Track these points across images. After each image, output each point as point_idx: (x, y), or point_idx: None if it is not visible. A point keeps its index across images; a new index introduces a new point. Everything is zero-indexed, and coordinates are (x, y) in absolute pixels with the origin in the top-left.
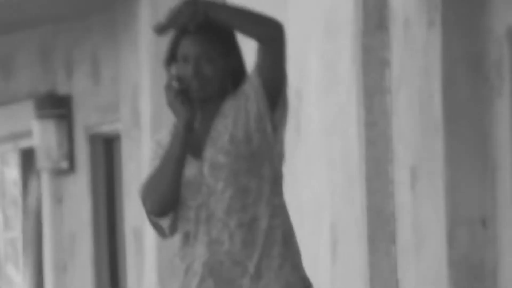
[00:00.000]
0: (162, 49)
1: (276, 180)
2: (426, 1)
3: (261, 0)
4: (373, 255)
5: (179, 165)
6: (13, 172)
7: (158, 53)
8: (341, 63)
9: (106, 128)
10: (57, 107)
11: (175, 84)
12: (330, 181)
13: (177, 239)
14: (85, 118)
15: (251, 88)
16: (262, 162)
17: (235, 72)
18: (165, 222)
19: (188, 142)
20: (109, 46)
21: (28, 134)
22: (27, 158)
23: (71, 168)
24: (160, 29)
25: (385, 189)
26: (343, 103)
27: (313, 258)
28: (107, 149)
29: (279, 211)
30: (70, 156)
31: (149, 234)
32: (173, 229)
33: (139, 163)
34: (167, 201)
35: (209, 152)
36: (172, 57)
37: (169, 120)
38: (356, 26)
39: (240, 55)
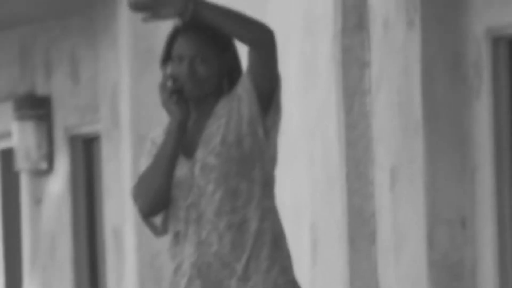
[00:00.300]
0: (141, 48)
1: (267, 183)
2: (405, 1)
3: None
4: (353, 256)
5: (171, 164)
6: None
7: (137, 52)
8: (320, 63)
9: (86, 129)
10: (36, 108)
11: (169, 83)
12: (310, 182)
13: (166, 239)
14: (65, 119)
15: (244, 90)
16: (253, 165)
17: (230, 72)
18: (158, 220)
19: (181, 142)
20: (88, 46)
21: (7, 135)
22: (7, 159)
23: (50, 169)
24: (136, 7)
25: (365, 190)
26: (322, 103)
27: (294, 259)
28: (86, 149)
29: (269, 214)
30: (50, 157)
31: (129, 234)
32: (164, 228)
33: (118, 163)
34: (158, 200)
35: (200, 153)
36: (167, 56)
37: (149, 121)
38: (335, 26)
39: (236, 54)
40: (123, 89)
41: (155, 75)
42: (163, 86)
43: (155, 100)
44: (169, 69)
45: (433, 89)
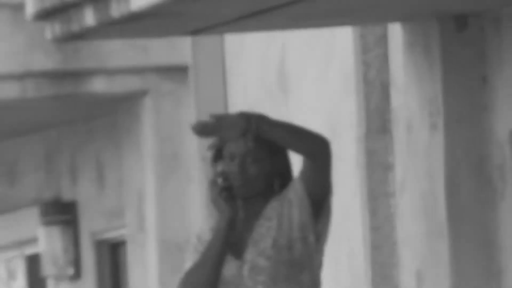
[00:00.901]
0: (166, 153)
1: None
2: (428, 104)
3: (261, 99)
4: None
5: (219, 262)
6: (19, 281)
7: (162, 157)
8: (345, 167)
9: (112, 234)
10: (62, 213)
11: (220, 180)
12: (335, 286)
13: None
14: (91, 224)
15: (296, 196)
16: (301, 270)
17: (281, 173)
18: None
19: (229, 240)
20: (112, 151)
21: (33, 241)
22: (33, 266)
23: (77, 274)
24: (202, 133)
25: None
26: (347, 206)
27: None
28: (113, 254)
29: None
30: (76, 262)
31: None
32: None
33: (145, 268)
34: None
35: (250, 254)
36: (218, 154)
37: (174, 226)
38: (359, 129)
39: (287, 156)
40: (148, 193)
41: (181, 180)
42: (213, 183)
43: (180, 205)
44: (219, 167)
45: (457, 192)
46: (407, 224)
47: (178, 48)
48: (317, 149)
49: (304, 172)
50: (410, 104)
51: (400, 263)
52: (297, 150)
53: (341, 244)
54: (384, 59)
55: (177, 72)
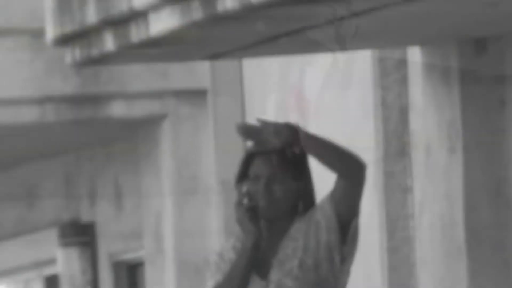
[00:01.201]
0: (184, 176)
1: None
2: (447, 127)
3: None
4: None
5: (244, 282)
6: None
7: (180, 180)
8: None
9: (130, 255)
10: (80, 234)
11: (245, 201)
12: None
13: None
14: (109, 246)
15: (323, 216)
16: None
17: (304, 195)
18: None
19: (254, 261)
20: (131, 174)
21: (52, 262)
22: (51, 287)
23: None
24: (246, 134)
25: None
26: (365, 229)
27: None
28: (131, 276)
29: None
30: (94, 284)
31: None
32: None
33: None
34: None
35: (275, 274)
36: (243, 175)
37: (193, 248)
38: (377, 152)
39: (310, 178)
40: (166, 215)
41: (199, 203)
42: (238, 204)
43: (198, 227)
44: (244, 187)
45: (476, 214)
46: (426, 246)
47: (197, 73)
48: (354, 171)
49: (335, 193)
50: (429, 127)
51: (418, 285)
52: (335, 168)
53: (359, 266)
54: (403, 83)
55: (196, 96)
